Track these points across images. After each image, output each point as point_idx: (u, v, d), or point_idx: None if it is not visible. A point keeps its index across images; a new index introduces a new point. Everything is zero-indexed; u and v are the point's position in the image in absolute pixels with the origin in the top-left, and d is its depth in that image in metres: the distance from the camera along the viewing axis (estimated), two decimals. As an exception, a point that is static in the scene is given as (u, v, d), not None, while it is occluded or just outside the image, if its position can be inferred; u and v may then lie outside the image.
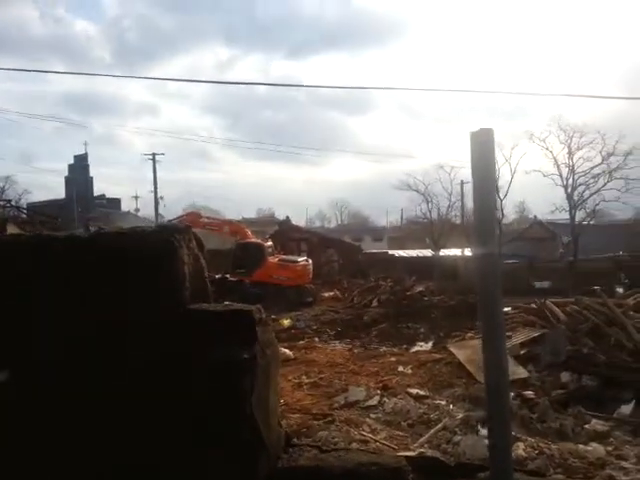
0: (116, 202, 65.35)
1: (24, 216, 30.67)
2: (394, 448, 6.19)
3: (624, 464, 6.42)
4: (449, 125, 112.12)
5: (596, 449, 6.72)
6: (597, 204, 32.73)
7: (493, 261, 1.45)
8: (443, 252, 36.35)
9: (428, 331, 15.67)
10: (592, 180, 32.40)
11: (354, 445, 5.91)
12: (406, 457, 1.62)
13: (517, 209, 47.94)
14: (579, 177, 32.59)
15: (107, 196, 66.26)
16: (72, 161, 68.77)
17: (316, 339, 15.19)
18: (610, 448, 6.89)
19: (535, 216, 38.94)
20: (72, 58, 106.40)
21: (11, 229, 21.00)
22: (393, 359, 11.53)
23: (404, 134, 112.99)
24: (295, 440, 1.76)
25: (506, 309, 15.71)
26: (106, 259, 1.70)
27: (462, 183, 42.46)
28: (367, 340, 14.90)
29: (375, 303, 19.99)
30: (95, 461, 1.68)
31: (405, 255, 36.85)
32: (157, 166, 49.39)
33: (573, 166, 32.40)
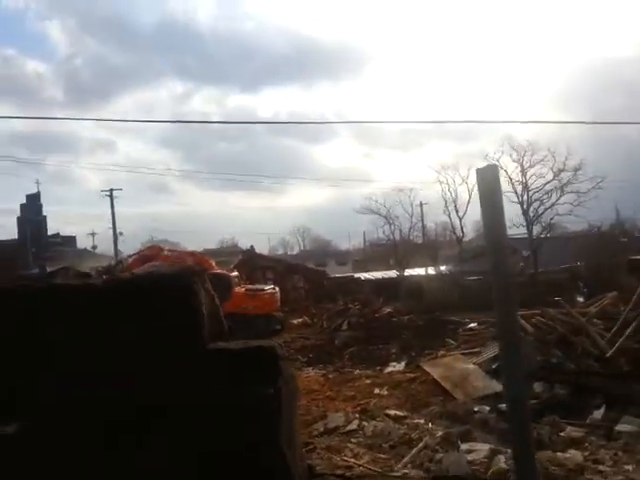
0: (71, 240, 63.58)
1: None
2: (378, 471, 6.15)
3: (601, 468, 6.58)
4: (405, 150, 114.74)
5: (574, 455, 6.86)
6: (552, 218, 33.93)
7: (507, 284, 1.51)
8: (408, 272, 36.76)
9: (400, 351, 15.73)
10: (546, 196, 33.63)
11: (338, 472, 5.85)
12: (433, 477, 1.63)
13: (476, 227, 49.12)
14: (533, 193, 33.74)
15: (62, 234, 64.44)
16: (24, 200, 66.80)
17: (289, 367, 15.02)
18: (586, 453, 7.05)
19: (493, 233, 39.78)
20: (24, 98, 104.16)
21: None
22: (368, 381, 11.52)
23: (361, 160, 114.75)
24: (317, 469, 1.75)
25: (473, 325, 16.02)
26: (126, 302, 1.69)
27: (421, 204, 43.38)
28: (340, 364, 14.85)
29: (345, 326, 20.01)
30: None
31: (371, 277, 37.05)
32: (115, 201, 48.55)
33: (526, 183, 33.54)
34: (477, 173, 1.50)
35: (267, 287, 24.98)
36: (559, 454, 6.75)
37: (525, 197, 33.85)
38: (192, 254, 25.17)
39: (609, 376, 9.44)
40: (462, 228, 38.17)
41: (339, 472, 6.07)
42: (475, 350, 11.99)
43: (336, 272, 44.86)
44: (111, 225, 48.59)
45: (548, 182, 33.52)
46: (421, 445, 7.33)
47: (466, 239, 41.26)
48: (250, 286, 24.53)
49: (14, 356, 1.77)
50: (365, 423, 8.34)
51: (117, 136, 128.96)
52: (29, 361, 1.80)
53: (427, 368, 11.13)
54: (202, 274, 1.80)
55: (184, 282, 1.69)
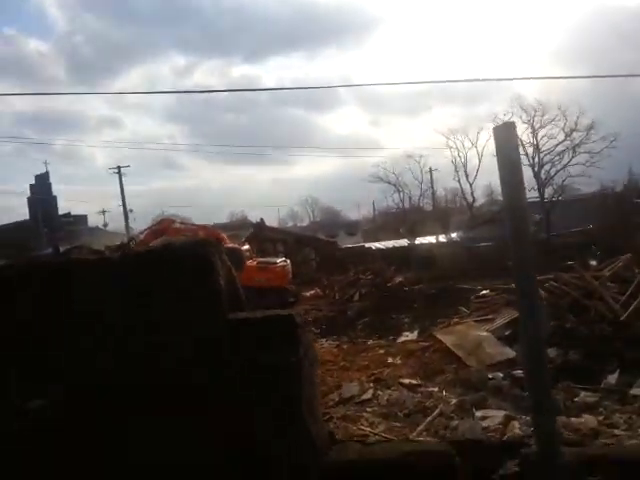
0: (83, 219, 64.11)
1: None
2: (394, 439, 6.24)
3: (616, 432, 6.62)
4: (413, 116, 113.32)
5: (588, 420, 6.90)
6: (564, 180, 33.52)
7: (526, 246, 1.48)
8: (418, 240, 36.70)
9: (412, 320, 15.79)
10: (557, 157, 33.16)
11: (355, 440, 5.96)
12: (449, 442, 1.64)
13: (486, 192, 48.72)
14: (544, 155, 33.27)
15: (73, 213, 64.89)
16: (33, 181, 67.10)
17: (303, 338, 15.17)
18: (601, 418, 7.09)
19: (504, 198, 39.45)
20: (26, 77, 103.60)
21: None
22: (382, 351, 11.61)
23: (369, 128, 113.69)
24: (338, 436, 1.77)
25: (485, 292, 16.00)
26: (144, 275, 1.70)
27: (431, 170, 43.02)
28: (353, 335, 14.96)
29: (357, 297, 20.06)
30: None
31: (381, 247, 37.03)
32: (124, 179, 48.64)
33: (538, 145, 33.07)
34: (494, 131, 1.47)
35: (279, 260, 25.08)
36: (573, 419, 6.79)
37: (536, 159, 33.40)
38: (204, 227, 25.15)
39: (623, 340, 9.41)
40: (472, 193, 37.93)
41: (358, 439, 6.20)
42: (488, 317, 12.00)
43: (346, 242, 44.89)
44: (121, 202, 48.76)
45: (560, 143, 33.02)
46: (436, 413, 7.41)
47: (476, 204, 41.02)
48: (262, 259, 24.63)
49: (35, 335, 1.78)
50: (380, 392, 8.44)
51: (123, 113, 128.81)
52: (50, 339, 1.81)
53: (440, 336, 11.17)
54: (218, 245, 1.80)
55: (201, 253, 1.70)
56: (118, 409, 1.78)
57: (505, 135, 1.51)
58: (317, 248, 36.34)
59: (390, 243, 38.39)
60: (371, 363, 10.52)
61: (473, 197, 38.43)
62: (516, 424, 6.55)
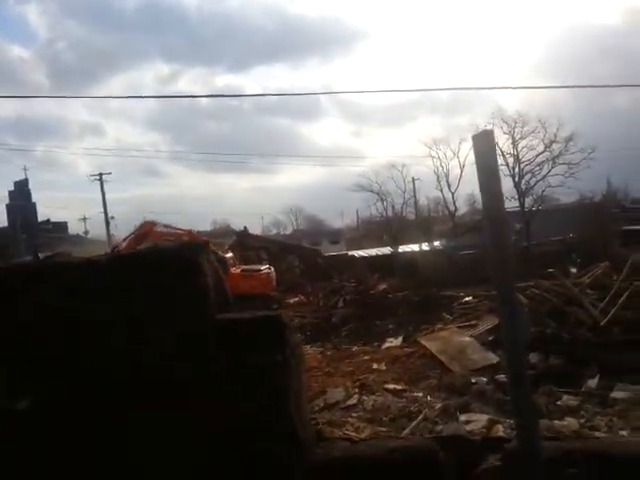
0: (63, 226, 63.34)
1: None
2: (379, 437, 6.26)
3: (597, 434, 6.73)
4: (395, 126, 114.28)
5: (570, 423, 7.00)
6: (543, 190, 34.11)
7: (505, 253, 1.53)
8: (401, 248, 36.91)
9: (396, 327, 15.87)
10: (537, 168, 33.75)
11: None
12: (433, 437, 1.67)
13: (468, 201, 49.27)
14: (525, 165, 33.87)
15: (53, 220, 64.04)
16: (12, 187, 66.15)
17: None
18: (582, 420, 7.19)
19: (486, 206, 39.92)
20: (8, 83, 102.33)
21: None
22: (366, 357, 11.63)
23: (351, 138, 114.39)
24: (328, 434, 1.79)
25: (468, 298, 16.16)
26: (132, 277, 1.71)
27: (413, 180, 43.37)
28: (338, 341, 14.98)
29: (341, 304, 20.11)
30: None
31: (365, 254, 37.19)
32: (105, 186, 48.18)
33: (518, 155, 33.63)
34: (473, 139, 1.52)
35: (263, 267, 25.04)
36: (556, 422, 6.88)
37: (517, 169, 33.93)
38: (189, 232, 24.80)
39: (603, 345, 9.58)
40: (455, 203, 38.33)
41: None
42: (471, 323, 12.12)
43: (330, 251, 44.98)
44: (102, 210, 48.26)
45: (539, 154, 33.65)
46: (421, 417, 7.45)
47: (459, 214, 41.46)
48: (246, 267, 24.56)
49: (26, 336, 1.79)
50: (365, 398, 8.45)
51: (105, 120, 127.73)
52: (40, 340, 1.82)
53: (424, 342, 11.25)
54: (206, 247, 1.82)
55: (188, 255, 1.71)
56: (103, 405, 1.78)
57: (484, 143, 1.55)
58: (301, 256, 36.36)
59: (373, 251, 38.60)
60: (356, 369, 10.54)
61: (455, 206, 38.91)
62: (500, 427, 6.59)
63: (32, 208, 63.70)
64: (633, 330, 9.62)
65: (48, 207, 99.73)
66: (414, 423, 7.29)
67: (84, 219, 57.66)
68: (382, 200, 40.61)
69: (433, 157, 37.92)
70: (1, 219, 59.27)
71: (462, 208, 43.79)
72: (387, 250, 37.82)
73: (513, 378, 1.58)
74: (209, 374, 1.71)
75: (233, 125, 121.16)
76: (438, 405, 7.83)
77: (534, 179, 33.88)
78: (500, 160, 32.95)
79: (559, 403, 7.83)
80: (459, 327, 12.13)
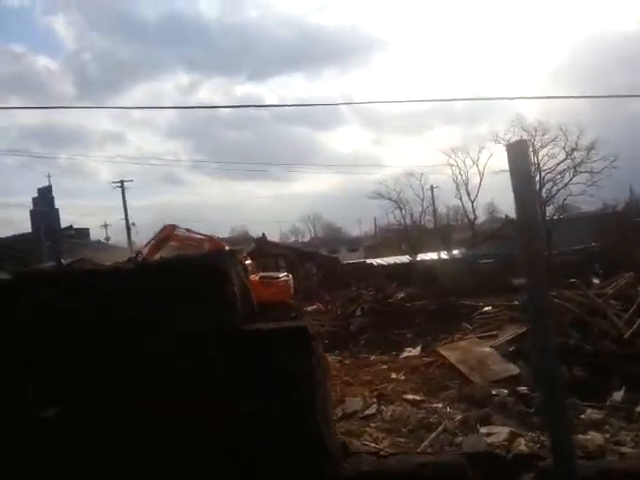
0: (85, 232, 64.20)
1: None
2: (406, 452, 6.19)
3: (622, 449, 6.56)
4: (414, 135, 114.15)
5: (594, 437, 6.84)
6: (565, 199, 33.69)
7: (538, 262, 1.50)
8: (420, 257, 36.69)
9: (415, 336, 15.76)
10: (559, 176, 33.36)
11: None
12: (462, 454, 1.64)
13: (487, 210, 48.86)
14: (546, 174, 33.47)
15: (75, 227, 65.02)
16: (36, 194, 67.37)
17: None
18: (607, 435, 7.03)
19: (506, 215, 39.68)
20: (35, 93, 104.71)
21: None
22: (385, 367, 11.54)
23: (370, 146, 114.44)
24: (353, 447, 1.77)
25: (488, 308, 15.96)
26: (159, 285, 1.71)
27: (432, 188, 43.14)
28: (356, 350, 14.90)
29: (359, 312, 20.04)
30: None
31: (383, 263, 37.03)
32: (126, 193, 48.81)
33: (539, 164, 33.21)
34: (507, 149, 1.51)
35: (281, 275, 25.05)
36: (580, 436, 6.73)
37: (538, 178, 33.51)
38: (210, 238, 24.76)
39: (627, 357, 9.38)
40: (474, 211, 38.00)
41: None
42: (492, 333, 11.96)
43: (347, 259, 44.91)
44: (123, 216, 48.85)
45: (561, 162, 33.24)
46: (440, 429, 7.35)
47: (478, 222, 41.09)
48: (264, 274, 24.59)
49: (52, 343, 1.79)
50: (383, 408, 8.37)
51: (127, 129, 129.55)
52: (65, 347, 1.82)
53: (443, 352, 11.12)
54: (234, 256, 1.81)
55: (216, 264, 1.71)
56: (129, 413, 1.78)
57: (518, 152, 1.54)
58: (319, 264, 36.38)
59: (391, 259, 38.40)
60: (374, 378, 10.45)
61: (475, 214, 38.50)
62: (522, 441, 6.49)
63: (55, 215, 64.71)
64: (659, 342, 9.42)
65: (71, 214, 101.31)
66: (433, 435, 7.20)
67: (105, 226, 58.49)
68: (400, 208, 40.50)
69: (452, 165, 37.73)
70: (25, 225, 60.38)
71: (481, 217, 43.47)
72: (405, 258, 37.64)
73: (546, 390, 1.54)
74: (234, 384, 1.69)
75: (253, 134, 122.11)
76: (458, 417, 7.73)
77: (555, 187, 33.48)
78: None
79: (582, 417, 7.67)
80: (479, 337, 11.97)
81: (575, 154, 32.89)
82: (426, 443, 6.93)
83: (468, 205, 38.00)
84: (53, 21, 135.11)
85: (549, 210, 33.58)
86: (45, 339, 1.78)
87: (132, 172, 59.06)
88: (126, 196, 48.98)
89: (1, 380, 1.81)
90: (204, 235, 24.46)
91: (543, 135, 33.53)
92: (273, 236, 51.86)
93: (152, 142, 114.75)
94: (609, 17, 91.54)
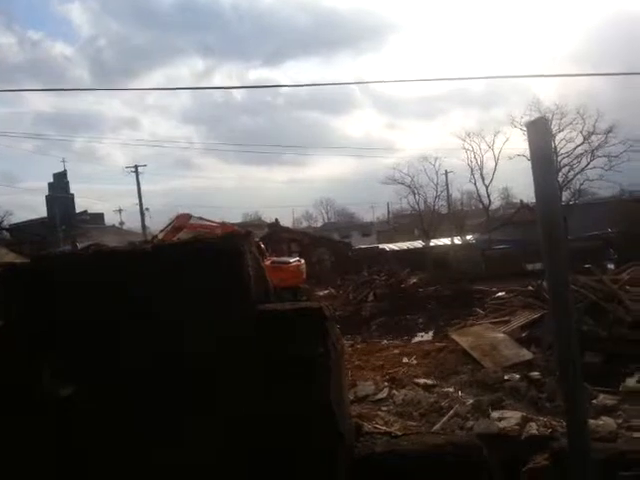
0: (99, 217, 64.75)
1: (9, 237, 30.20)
2: (420, 432, 6.22)
3: (635, 435, 6.53)
4: (428, 119, 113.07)
5: (607, 423, 6.82)
6: (581, 184, 33.18)
7: (558, 245, 1.47)
8: (433, 242, 36.50)
9: (427, 321, 15.75)
10: (575, 160, 32.81)
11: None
12: (477, 434, 1.63)
13: (502, 195, 48.38)
14: (562, 158, 32.90)
15: (90, 212, 65.60)
16: (52, 179, 67.99)
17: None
18: (620, 421, 6.99)
19: (521, 200, 39.24)
20: (52, 79, 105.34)
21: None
22: (396, 351, 11.57)
23: (384, 130, 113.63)
24: (365, 428, 1.77)
25: (501, 293, 15.88)
26: (175, 267, 1.71)
27: (446, 173, 42.69)
28: (368, 335, 14.94)
29: (371, 297, 20.04)
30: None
31: (396, 248, 36.88)
32: (140, 178, 48.98)
33: (556, 148, 32.66)
34: (527, 127, 1.47)
35: (292, 259, 25.07)
36: (592, 421, 6.70)
37: (554, 162, 33.05)
38: (223, 224, 24.94)
39: (642, 343, 9.29)
40: (488, 196, 37.59)
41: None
42: (504, 319, 11.91)
43: (360, 244, 44.81)
44: (137, 201, 49.12)
45: (578, 146, 32.67)
46: (452, 413, 7.37)
47: (492, 207, 40.68)
48: (276, 258, 24.64)
49: (70, 327, 1.81)
50: (395, 392, 8.41)
51: (141, 114, 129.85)
52: (86, 331, 1.83)
53: (455, 337, 11.11)
54: (247, 238, 1.80)
55: (231, 246, 1.70)
56: (145, 395, 1.79)
57: (539, 130, 1.50)
58: (331, 249, 36.36)
59: (404, 245, 38.22)
60: (386, 363, 10.49)
61: (489, 200, 38.04)
62: (533, 425, 6.48)
63: (70, 200, 65.37)
64: (675, 329, 9.31)
65: (86, 198, 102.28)
66: (445, 418, 7.22)
67: (119, 210, 58.89)
68: (414, 193, 40.18)
69: (467, 150, 37.25)
70: (41, 210, 61.06)
71: (495, 202, 43.01)
72: (418, 244, 37.44)
73: (563, 371, 1.52)
74: (248, 366, 1.69)
75: (266, 119, 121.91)
76: (469, 401, 7.74)
77: (572, 172, 32.96)
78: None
79: (596, 402, 7.63)
80: (492, 322, 11.93)
81: (593, 138, 32.29)
82: (437, 427, 6.95)
83: (482, 190, 37.59)
84: (70, 8, 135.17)
85: (565, 195, 33.08)
86: (61, 318, 1.80)
87: (146, 157, 59.46)
88: (140, 181, 49.16)
89: (16, 358, 1.83)
90: (217, 222, 24.59)
91: (560, 119, 32.95)
92: (286, 221, 51.97)
93: (166, 127, 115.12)
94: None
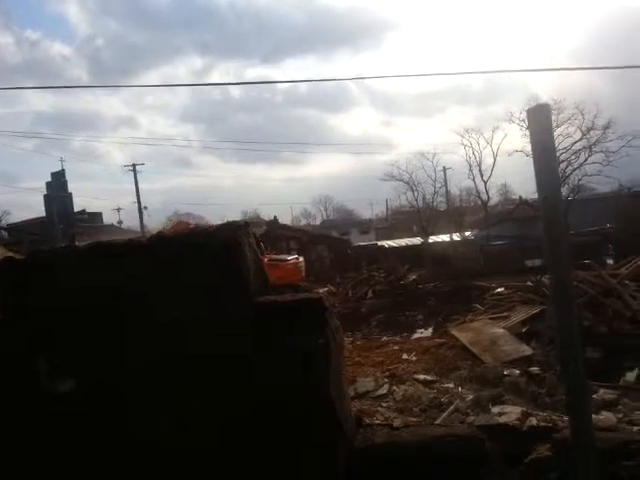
0: (98, 216, 64.62)
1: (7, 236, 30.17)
2: (420, 424, 6.22)
3: (635, 429, 6.53)
4: (426, 116, 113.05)
5: (607, 417, 6.81)
6: (580, 179, 33.13)
7: (560, 236, 1.46)
8: (432, 239, 36.48)
9: (426, 317, 15.75)
10: (573, 156, 32.76)
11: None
12: (478, 426, 1.62)
13: (500, 191, 48.35)
14: (561, 154, 32.70)
15: (88, 211, 65.47)
16: (50, 179, 67.82)
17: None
18: (620, 415, 6.99)
19: (520, 197, 39.16)
20: (50, 79, 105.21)
21: (-3, 250, 20.65)
22: (396, 347, 11.57)
23: (382, 128, 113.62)
24: (365, 420, 1.76)
25: (500, 289, 15.88)
26: (172, 259, 1.70)
27: (444, 169, 42.64)
28: (368, 331, 14.95)
29: (370, 294, 20.04)
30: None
31: (394, 245, 36.89)
32: (138, 177, 48.98)
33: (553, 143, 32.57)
34: (528, 113, 1.45)
35: (290, 257, 25.04)
36: (593, 416, 6.70)
37: (552, 158, 32.99)
38: None
39: (642, 338, 9.30)
40: (487, 192, 37.54)
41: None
42: (503, 314, 11.91)
43: (359, 241, 44.80)
44: (136, 200, 49.06)
45: (576, 141, 32.60)
46: (452, 408, 7.36)
47: (491, 203, 40.64)
48: (273, 256, 24.62)
49: (68, 322, 1.79)
50: (395, 388, 8.40)
51: (140, 113, 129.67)
52: (81, 324, 1.82)
53: (455, 333, 11.11)
54: (246, 229, 1.78)
55: (229, 237, 1.68)
56: (143, 390, 1.77)
57: (540, 117, 1.48)
58: (330, 246, 36.34)
59: (403, 241, 38.22)
60: (386, 359, 10.49)
61: (488, 196, 37.97)
62: (533, 420, 6.46)
63: (69, 199, 65.20)
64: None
65: (84, 197, 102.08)
66: (445, 414, 7.22)
67: (118, 209, 58.81)
68: (412, 190, 40.06)
69: (465, 145, 37.15)
70: (40, 209, 60.89)
71: (494, 198, 42.97)
72: (417, 240, 37.39)
73: (565, 363, 1.51)
74: (247, 357, 1.68)
75: (265, 117, 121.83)
76: (469, 397, 7.73)
77: (570, 167, 32.91)
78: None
79: (596, 397, 7.64)
80: (491, 318, 11.93)
81: (591, 133, 32.25)
82: (438, 422, 6.94)
83: (481, 186, 37.46)
84: (67, 7, 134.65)
85: (564, 190, 33.01)
86: (59, 310, 1.78)
87: (144, 156, 59.36)
88: (139, 180, 49.16)
89: (13, 351, 1.81)
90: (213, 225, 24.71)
91: (558, 114, 32.82)
92: (285, 219, 51.89)
93: (164, 125, 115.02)
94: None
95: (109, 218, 62.24)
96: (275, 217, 38.79)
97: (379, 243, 39.00)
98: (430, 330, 13.94)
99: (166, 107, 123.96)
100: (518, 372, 8.78)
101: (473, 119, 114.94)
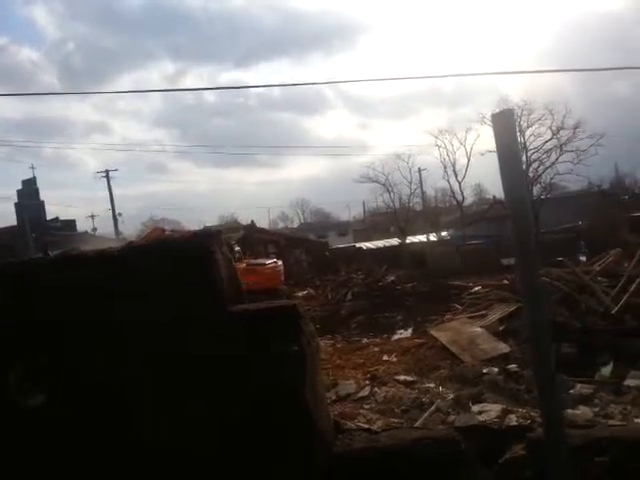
0: (71, 224, 63.38)
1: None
2: (399, 427, 6.25)
3: (611, 422, 6.68)
4: (400, 118, 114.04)
5: (584, 412, 6.96)
6: (551, 178, 33.83)
7: (528, 237, 1.49)
8: (409, 239, 36.78)
9: (406, 318, 15.84)
10: (545, 155, 33.45)
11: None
12: (456, 428, 1.64)
13: (475, 191, 48.97)
14: (532, 153, 33.50)
15: (61, 218, 64.26)
16: (21, 187, 66.44)
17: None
18: (596, 409, 7.15)
19: (494, 196, 39.78)
20: (19, 85, 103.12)
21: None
22: (376, 349, 11.62)
23: (357, 131, 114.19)
24: (346, 424, 1.76)
25: (477, 288, 16.08)
26: (143, 268, 1.67)
27: (420, 170, 43.05)
28: (347, 334, 14.97)
29: (349, 296, 20.07)
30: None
31: (372, 246, 37.12)
32: (112, 183, 48.29)
33: (525, 143, 33.23)
34: (492, 118, 1.48)
35: (269, 261, 24.93)
36: (569, 411, 6.83)
37: (524, 157, 33.61)
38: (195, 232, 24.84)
39: (615, 333, 9.51)
40: (462, 192, 38.04)
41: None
42: (481, 313, 12.06)
43: (337, 243, 44.93)
44: (110, 207, 48.37)
45: (547, 141, 33.31)
46: (433, 408, 7.43)
47: (466, 203, 41.18)
48: (251, 261, 24.48)
49: (40, 332, 1.76)
50: (376, 389, 8.44)
51: (112, 118, 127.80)
52: (53, 334, 1.79)
53: (434, 333, 11.21)
54: (218, 237, 1.77)
55: (201, 245, 1.67)
56: (115, 401, 1.76)
57: (504, 122, 1.51)
58: (308, 249, 36.36)
59: (381, 243, 38.49)
60: (366, 361, 10.53)
61: (463, 196, 38.51)
62: (513, 417, 6.58)
63: (41, 206, 63.89)
64: (646, 317, 9.54)
65: (57, 205, 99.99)
66: (426, 414, 7.27)
67: (92, 216, 57.84)
68: (388, 191, 40.37)
69: (439, 146, 37.62)
70: (11, 219, 59.53)
71: (469, 198, 43.54)
72: (395, 241, 37.69)
73: (537, 362, 1.54)
74: (220, 366, 1.67)
75: (239, 121, 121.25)
76: (450, 396, 7.81)
77: (542, 167, 33.59)
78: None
79: (572, 392, 7.78)
80: (469, 317, 12.07)
81: (561, 133, 32.99)
82: (419, 422, 6.99)
83: (456, 187, 37.97)
84: (33, 10, 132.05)
85: (536, 190, 33.69)
86: (30, 323, 1.75)
87: (118, 162, 58.53)
88: (112, 186, 48.48)
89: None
90: (189, 231, 24.51)
91: (529, 115, 33.55)
92: (262, 223, 51.76)
93: (138, 131, 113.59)
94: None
95: (83, 225, 61.01)
96: (252, 221, 38.69)
97: (357, 245, 39.19)
98: (410, 331, 14.03)
99: (139, 112, 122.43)
100: (497, 370, 8.90)
101: (446, 121, 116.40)
